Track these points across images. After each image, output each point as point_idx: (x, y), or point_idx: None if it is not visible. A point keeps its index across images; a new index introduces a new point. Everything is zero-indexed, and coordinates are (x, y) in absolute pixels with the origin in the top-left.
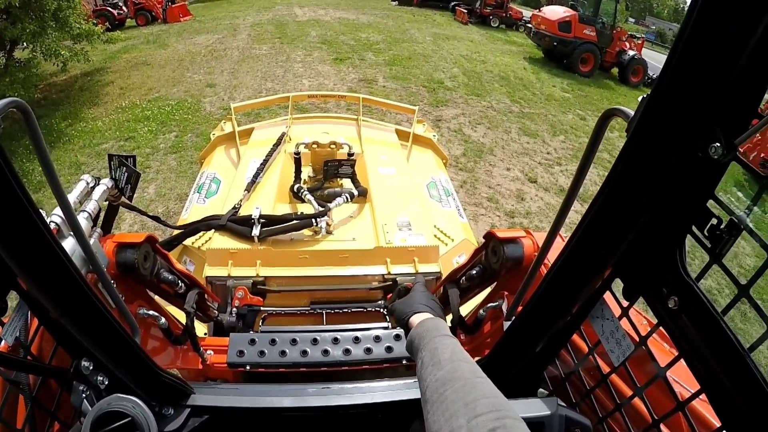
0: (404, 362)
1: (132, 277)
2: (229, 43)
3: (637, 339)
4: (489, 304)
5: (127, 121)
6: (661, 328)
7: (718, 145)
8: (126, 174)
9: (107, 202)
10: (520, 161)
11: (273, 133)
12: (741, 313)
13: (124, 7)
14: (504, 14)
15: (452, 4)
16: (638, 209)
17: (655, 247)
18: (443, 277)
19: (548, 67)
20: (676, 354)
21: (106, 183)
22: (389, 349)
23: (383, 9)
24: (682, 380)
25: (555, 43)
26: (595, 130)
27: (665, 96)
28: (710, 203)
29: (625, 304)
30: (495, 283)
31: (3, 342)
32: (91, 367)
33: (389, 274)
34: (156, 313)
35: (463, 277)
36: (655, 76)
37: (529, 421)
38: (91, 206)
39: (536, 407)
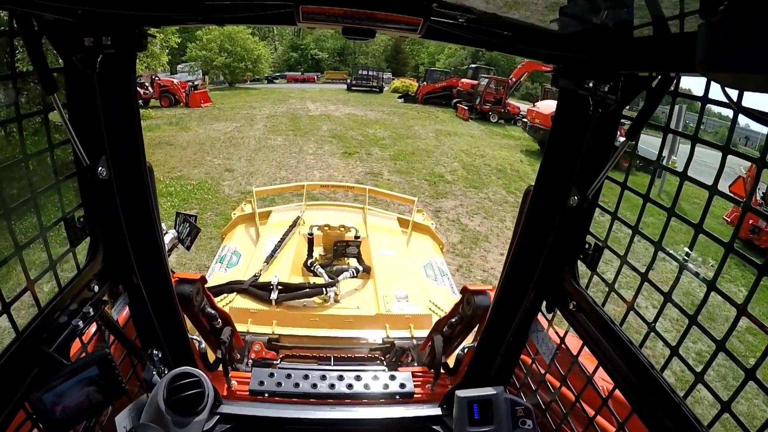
0: (397, 397)
1: (184, 307)
2: (247, 132)
3: (558, 341)
4: (466, 345)
5: None
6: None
7: (576, 197)
8: (188, 228)
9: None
10: None
11: (289, 216)
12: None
13: (150, 88)
14: (502, 110)
15: (454, 101)
16: (541, 248)
17: (558, 272)
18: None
19: None
20: (581, 343)
21: (173, 233)
22: (385, 386)
23: (390, 106)
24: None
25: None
26: (522, 204)
27: (544, 171)
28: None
29: (549, 317)
30: (474, 330)
31: (116, 317)
32: (159, 356)
33: (388, 337)
34: (198, 339)
35: (446, 326)
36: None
37: (481, 398)
38: None
39: (487, 391)
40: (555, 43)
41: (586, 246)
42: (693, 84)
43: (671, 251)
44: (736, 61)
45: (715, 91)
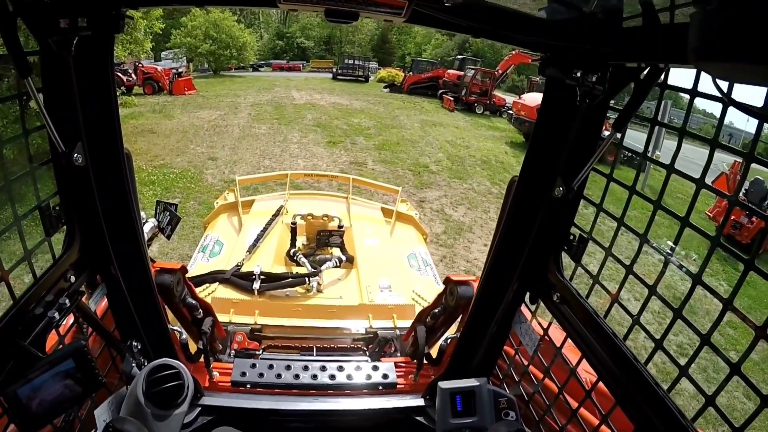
0: (380, 388)
1: (164, 297)
2: (231, 120)
3: (542, 332)
4: (449, 336)
5: None
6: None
7: (561, 188)
8: (168, 217)
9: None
10: None
11: (272, 205)
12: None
13: (133, 75)
14: (488, 101)
15: (440, 92)
16: (525, 239)
17: (542, 264)
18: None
19: None
20: (565, 335)
21: (153, 222)
22: (368, 377)
23: (375, 95)
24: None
25: None
26: (506, 194)
27: (529, 161)
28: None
29: (533, 309)
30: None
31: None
32: (139, 347)
33: (371, 327)
34: (180, 329)
35: (429, 317)
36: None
37: (464, 390)
38: None
39: (470, 382)
40: (543, 30)
41: (571, 237)
42: (680, 79)
43: (656, 244)
44: (731, 51)
45: (704, 85)
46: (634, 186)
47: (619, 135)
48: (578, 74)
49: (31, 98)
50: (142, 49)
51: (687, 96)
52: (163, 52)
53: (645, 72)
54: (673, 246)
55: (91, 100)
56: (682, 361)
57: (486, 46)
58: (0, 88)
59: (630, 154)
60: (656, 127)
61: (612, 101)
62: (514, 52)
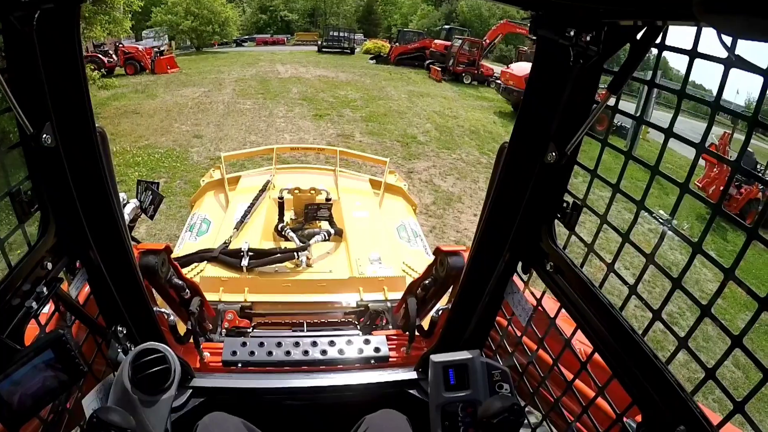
0: (372, 362)
1: (149, 279)
2: (215, 96)
3: (535, 303)
4: (440, 308)
5: (118, 165)
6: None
7: (553, 153)
8: (151, 197)
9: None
10: None
11: (258, 180)
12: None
13: (114, 55)
14: (476, 71)
15: (427, 62)
16: (516, 207)
17: (535, 232)
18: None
19: None
20: (559, 305)
21: (134, 203)
22: (360, 350)
23: (361, 67)
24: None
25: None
26: (496, 161)
27: (520, 126)
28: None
29: (525, 279)
30: (448, 292)
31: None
32: (124, 332)
33: (362, 300)
34: (167, 311)
35: (419, 288)
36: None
37: (456, 363)
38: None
39: (463, 355)
40: None
41: (564, 205)
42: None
43: (655, 212)
44: (740, 3)
45: (705, 45)
46: (631, 150)
47: (614, 98)
48: (571, 33)
49: None
50: (121, 28)
51: (677, 66)
52: (144, 31)
53: (642, 32)
54: (669, 216)
55: (59, 77)
56: (682, 334)
57: (473, 16)
58: None
59: (627, 116)
60: (643, 95)
61: (605, 63)
62: (502, 22)
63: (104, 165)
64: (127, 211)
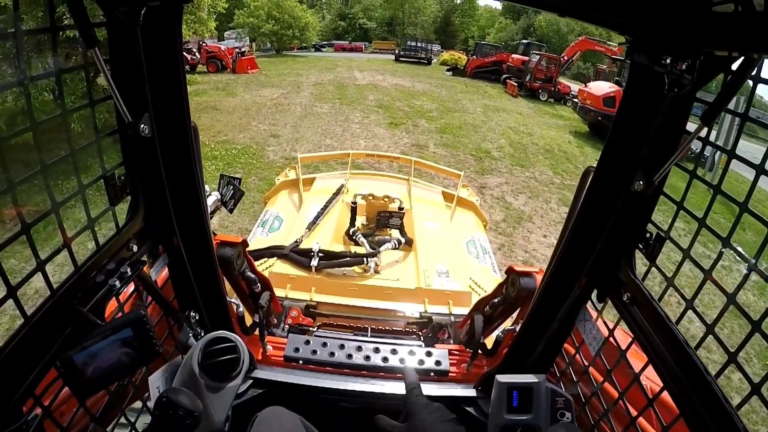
0: (432, 374)
1: (224, 270)
2: (293, 98)
3: (606, 333)
4: (506, 328)
5: None
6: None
7: (640, 182)
8: (232, 191)
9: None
10: (557, 229)
11: (333, 183)
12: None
13: (197, 53)
14: (553, 88)
15: (503, 77)
16: (598, 233)
17: (614, 261)
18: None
19: (592, 141)
20: (632, 338)
21: (216, 195)
22: (421, 362)
23: (438, 78)
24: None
25: (600, 118)
26: (579, 185)
27: (608, 151)
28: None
29: (599, 308)
30: (516, 313)
31: (155, 277)
32: (197, 318)
33: (426, 312)
34: (237, 302)
35: (487, 306)
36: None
37: (522, 385)
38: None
39: (529, 378)
40: (631, 11)
41: (647, 235)
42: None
43: (740, 250)
44: None
45: None
46: (720, 184)
47: (706, 129)
48: (667, 61)
49: (98, 70)
50: (206, 28)
51: (764, 95)
52: (226, 32)
53: (738, 62)
54: (752, 255)
55: (159, 71)
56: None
57: (551, 31)
58: (68, 64)
59: (717, 148)
60: (726, 125)
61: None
62: (580, 38)
63: (195, 158)
64: (209, 203)
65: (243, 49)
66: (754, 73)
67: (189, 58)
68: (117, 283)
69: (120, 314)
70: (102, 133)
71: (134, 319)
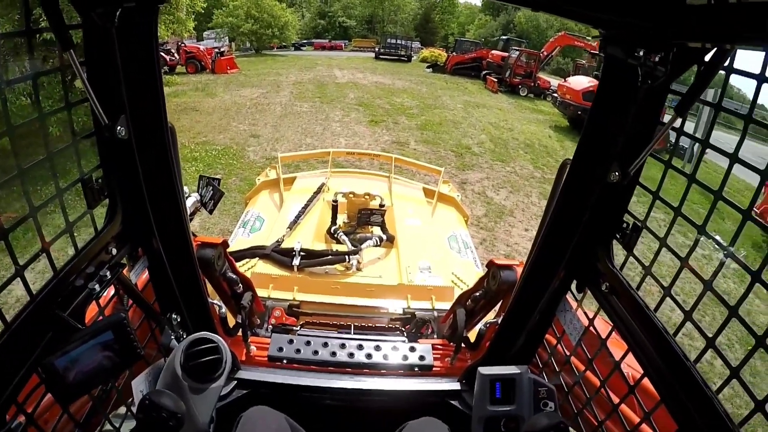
0: (416, 369)
1: (205, 271)
2: (273, 98)
3: (587, 323)
4: (488, 321)
5: None
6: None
7: (616, 173)
8: (211, 192)
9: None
10: (538, 222)
11: (313, 182)
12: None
13: (176, 54)
14: (532, 84)
15: (483, 73)
16: (575, 225)
17: (592, 251)
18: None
19: (572, 135)
20: (611, 327)
21: (195, 196)
22: (405, 357)
23: (418, 75)
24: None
25: (579, 112)
26: (557, 177)
27: (584, 144)
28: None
29: (579, 298)
30: (498, 306)
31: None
32: (178, 320)
33: (409, 308)
34: (219, 303)
35: (469, 300)
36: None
37: (504, 377)
38: None
39: (511, 369)
40: (604, 4)
41: (624, 225)
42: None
43: (717, 237)
44: None
45: None
46: (695, 174)
47: (679, 119)
48: (640, 53)
49: (74, 72)
50: (184, 28)
51: (737, 84)
52: (205, 32)
53: (710, 54)
54: (727, 242)
55: (135, 72)
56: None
57: (531, 27)
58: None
59: (692, 138)
60: (702, 115)
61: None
62: (560, 34)
63: (173, 159)
64: (188, 204)
65: (222, 49)
66: (726, 64)
67: (168, 59)
68: (96, 286)
69: (101, 318)
70: (79, 136)
71: (114, 322)
